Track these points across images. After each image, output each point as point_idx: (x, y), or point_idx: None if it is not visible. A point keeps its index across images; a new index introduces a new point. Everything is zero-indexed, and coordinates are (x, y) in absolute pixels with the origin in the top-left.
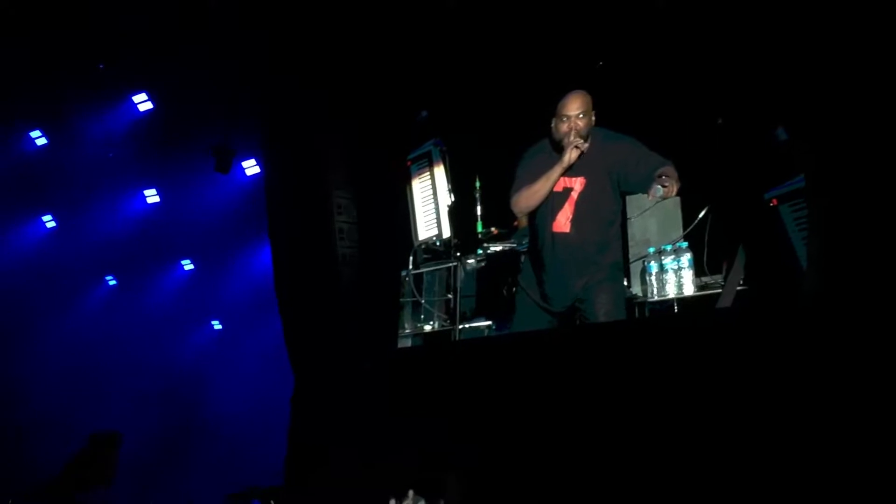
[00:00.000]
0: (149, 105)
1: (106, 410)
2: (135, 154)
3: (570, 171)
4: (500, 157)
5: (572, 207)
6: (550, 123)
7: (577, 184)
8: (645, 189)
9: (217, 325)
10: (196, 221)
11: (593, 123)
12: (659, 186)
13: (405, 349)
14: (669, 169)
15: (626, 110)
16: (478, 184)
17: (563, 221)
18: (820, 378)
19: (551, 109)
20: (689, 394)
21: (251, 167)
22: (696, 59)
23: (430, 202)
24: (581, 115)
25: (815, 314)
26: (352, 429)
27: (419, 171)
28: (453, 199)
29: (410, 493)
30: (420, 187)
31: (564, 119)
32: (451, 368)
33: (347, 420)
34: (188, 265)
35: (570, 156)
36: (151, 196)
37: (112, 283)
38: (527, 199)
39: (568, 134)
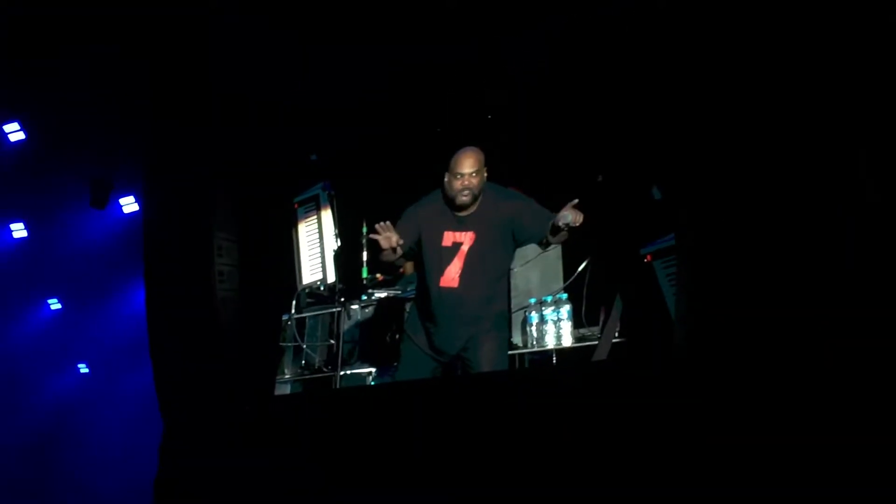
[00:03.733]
0: (21, 135)
1: None
2: (2, 186)
3: (460, 225)
4: (388, 202)
5: (462, 262)
6: (443, 178)
7: (467, 238)
8: (543, 236)
9: (84, 369)
10: (66, 259)
11: (485, 179)
12: (567, 213)
13: (284, 396)
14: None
15: (513, 165)
16: (364, 229)
17: (451, 276)
18: (689, 427)
19: (444, 163)
20: (564, 446)
21: (129, 204)
22: (578, 118)
23: (316, 246)
24: (474, 174)
25: (685, 368)
26: (224, 477)
27: (306, 215)
28: (339, 243)
29: None
30: (306, 231)
31: (458, 176)
32: (331, 417)
33: (220, 468)
34: (55, 304)
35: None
36: (18, 231)
37: None
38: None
39: (461, 191)
